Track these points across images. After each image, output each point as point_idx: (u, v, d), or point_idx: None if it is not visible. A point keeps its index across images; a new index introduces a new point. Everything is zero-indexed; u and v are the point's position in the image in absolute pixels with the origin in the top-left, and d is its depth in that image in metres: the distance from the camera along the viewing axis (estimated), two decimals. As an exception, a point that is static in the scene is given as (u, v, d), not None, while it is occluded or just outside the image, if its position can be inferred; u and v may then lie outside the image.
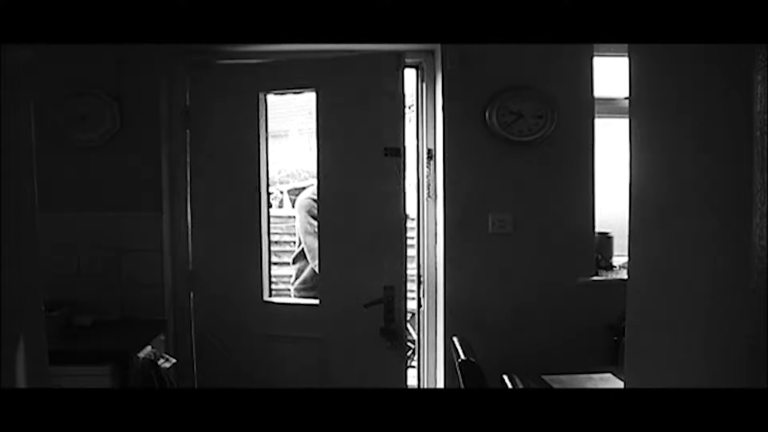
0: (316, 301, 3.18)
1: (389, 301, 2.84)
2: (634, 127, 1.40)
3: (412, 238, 3.47)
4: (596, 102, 3.31)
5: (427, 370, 3.49)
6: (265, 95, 3.20)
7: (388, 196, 2.93)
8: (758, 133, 0.91)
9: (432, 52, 3.36)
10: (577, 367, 2.67)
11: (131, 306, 3.20)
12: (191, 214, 3.33)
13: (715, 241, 1.10)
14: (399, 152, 2.84)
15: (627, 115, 1.43)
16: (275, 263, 7.42)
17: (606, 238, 3.49)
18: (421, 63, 3.39)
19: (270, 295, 3.29)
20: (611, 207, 3.27)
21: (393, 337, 2.88)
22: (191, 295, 3.35)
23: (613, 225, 3.41)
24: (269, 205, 3.29)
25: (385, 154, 2.81)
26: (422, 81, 3.41)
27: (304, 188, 5.07)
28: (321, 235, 3.10)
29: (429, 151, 3.40)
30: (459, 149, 3.25)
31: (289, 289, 3.93)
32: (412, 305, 3.46)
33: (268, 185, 3.26)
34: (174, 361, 3.13)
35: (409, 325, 5.65)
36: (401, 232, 2.95)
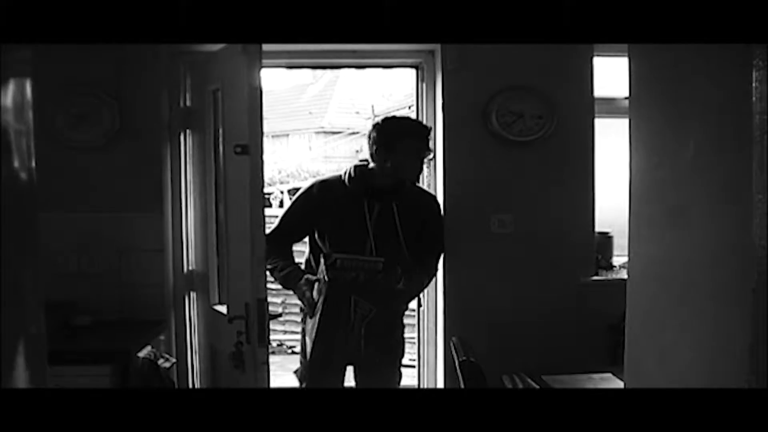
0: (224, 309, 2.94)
1: (246, 321, 2.49)
2: (634, 127, 1.40)
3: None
4: (596, 102, 3.31)
5: (427, 370, 3.49)
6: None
7: (244, 197, 2.54)
8: (758, 133, 0.91)
9: (432, 52, 3.36)
10: (577, 367, 2.66)
11: (131, 306, 3.19)
12: (191, 214, 3.33)
13: (715, 241, 1.10)
14: (248, 149, 2.46)
15: (627, 115, 1.44)
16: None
17: (606, 238, 3.49)
18: (421, 63, 3.39)
19: (219, 301, 3.12)
20: (611, 207, 3.27)
21: (240, 361, 2.56)
22: (191, 294, 3.35)
23: (613, 225, 3.41)
24: (216, 207, 3.12)
25: (236, 152, 2.51)
26: (422, 81, 3.41)
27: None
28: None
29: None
30: (459, 149, 3.24)
31: (278, 290, 3.85)
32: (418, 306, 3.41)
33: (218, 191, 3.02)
34: (174, 361, 3.13)
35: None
36: (255, 240, 2.46)
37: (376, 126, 2.88)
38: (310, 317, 2.76)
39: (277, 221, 2.96)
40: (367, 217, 2.82)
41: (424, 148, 2.84)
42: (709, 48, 1.05)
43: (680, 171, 1.20)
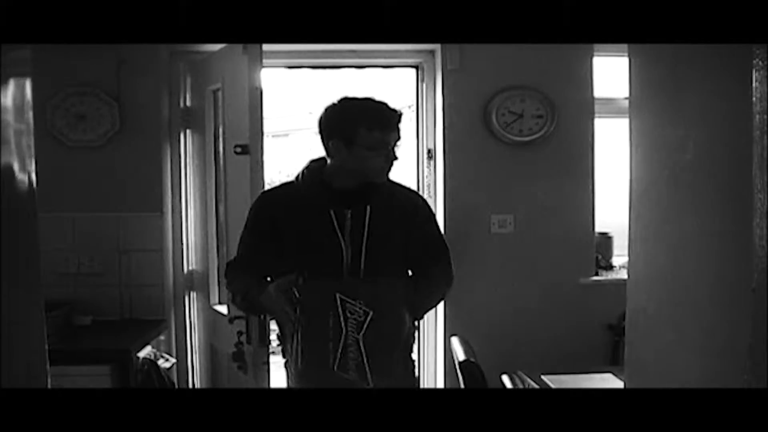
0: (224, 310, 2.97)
1: (246, 321, 2.49)
2: (634, 127, 1.40)
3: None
4: (596, 102, 3.32)
5: (427, 370, 3.49)
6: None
7: (244, 197, 2.52)
8: (758, 132, 0.91)
9: (432, 52, 3.36)
10: (577, 367, 2.67)
11: (131, 306, 3.20)
12: (191, 214, 3.34)
13: (715, 241, 1.10)
14: (248, 149, 2.46)
15: (627, 115, 1.44)
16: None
17: (606, 238, 3.49)
18: (421, 63, 3.40)
19: (218, 301, 3.19)
20: (611, 207, 3.28)
21: (242, 360, 2.54)
22: (191, 294, 3.35)
23: (613, 225, 3.41)
24: (216, 207, 3.16)
25: (236, 152, 2.53)
26: (422, 81, 3.41)
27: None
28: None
29: (429, 151, 3.40)
30: (459, 149, 3.25)
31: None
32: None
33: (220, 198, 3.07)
34: (174, 361, 3.13)
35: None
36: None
37: (328, 111, 2.11)
38: (292, 336, 2.04)
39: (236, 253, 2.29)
40: (338, 230, 2.08)
41: (393, 139, 2.07)
42: (709, 48, 1.05)
43: (680, 171, 1.20)
